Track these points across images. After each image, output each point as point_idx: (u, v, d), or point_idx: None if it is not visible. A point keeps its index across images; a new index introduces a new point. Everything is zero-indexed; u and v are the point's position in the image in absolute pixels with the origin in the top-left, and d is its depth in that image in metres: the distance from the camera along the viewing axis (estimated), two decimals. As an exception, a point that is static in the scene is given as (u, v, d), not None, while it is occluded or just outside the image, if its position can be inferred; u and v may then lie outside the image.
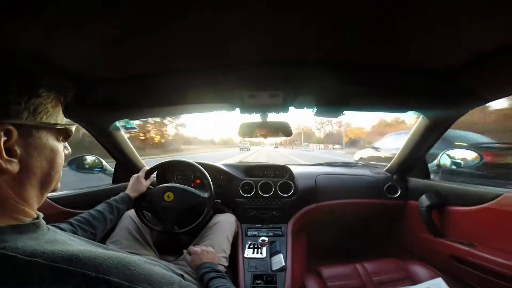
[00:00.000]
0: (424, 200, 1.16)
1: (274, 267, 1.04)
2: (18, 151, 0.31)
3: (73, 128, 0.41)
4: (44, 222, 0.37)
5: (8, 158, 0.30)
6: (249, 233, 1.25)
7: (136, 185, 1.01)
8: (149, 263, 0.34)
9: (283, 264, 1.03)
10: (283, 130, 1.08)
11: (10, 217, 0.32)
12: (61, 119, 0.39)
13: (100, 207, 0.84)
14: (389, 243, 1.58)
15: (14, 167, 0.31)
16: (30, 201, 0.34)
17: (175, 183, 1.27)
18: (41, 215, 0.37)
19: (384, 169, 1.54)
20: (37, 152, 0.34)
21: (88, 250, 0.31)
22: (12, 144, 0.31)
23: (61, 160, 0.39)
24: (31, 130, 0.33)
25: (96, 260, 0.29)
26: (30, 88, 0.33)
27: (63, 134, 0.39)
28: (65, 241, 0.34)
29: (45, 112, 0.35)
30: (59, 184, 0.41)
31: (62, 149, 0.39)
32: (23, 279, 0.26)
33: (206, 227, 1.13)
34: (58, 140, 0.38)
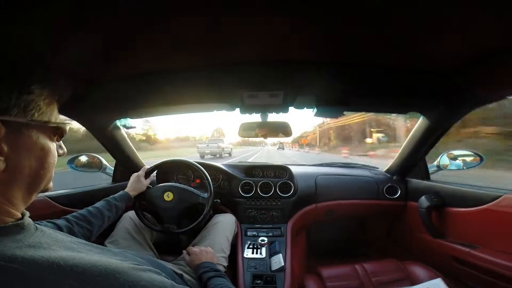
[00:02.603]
0: (424, 201, 1.16)
1: (274, 267, 1.04)
2: (5, 148, 0.30)
3: (67, 126, 0.39)
4: (31, 221, 0.35)
5: None
6: (248, 233, 1.24)
7: (136, 183, 1.01)
8: (138, 269, 0.32)
9: (283, 264, 1.03)
10: (283, 130, 1.08)
11: None
12: (56, 118, 0.37)
13: (98, 204, 0.84)
14: (388, 243, 1.58)
15: None
16: (15, 201, 0.33)
17: (175, 182, 1.27)
18: (27, 213, 0.35)
19: (384, 170, 1.54)
20: (26, 151, 0.33)
21: (71, 256, 0.29)
22: None
23: (53, 159, 0.37)
24: (21, 127, 0.32)
25: (78, 268, 0.28)
26: (20, 84, 0.32)
27: (57, 132, 0.38)
28: (49, 245, 0.32)
29: (37, 109, 0.33)
30: (51, 184, 0.39)
31: (55, 148, 0.38)
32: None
33: (205, 227, 1.13)
34: (51, 139, 0.37)
